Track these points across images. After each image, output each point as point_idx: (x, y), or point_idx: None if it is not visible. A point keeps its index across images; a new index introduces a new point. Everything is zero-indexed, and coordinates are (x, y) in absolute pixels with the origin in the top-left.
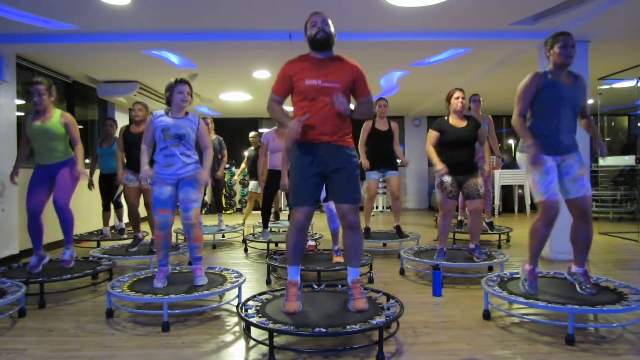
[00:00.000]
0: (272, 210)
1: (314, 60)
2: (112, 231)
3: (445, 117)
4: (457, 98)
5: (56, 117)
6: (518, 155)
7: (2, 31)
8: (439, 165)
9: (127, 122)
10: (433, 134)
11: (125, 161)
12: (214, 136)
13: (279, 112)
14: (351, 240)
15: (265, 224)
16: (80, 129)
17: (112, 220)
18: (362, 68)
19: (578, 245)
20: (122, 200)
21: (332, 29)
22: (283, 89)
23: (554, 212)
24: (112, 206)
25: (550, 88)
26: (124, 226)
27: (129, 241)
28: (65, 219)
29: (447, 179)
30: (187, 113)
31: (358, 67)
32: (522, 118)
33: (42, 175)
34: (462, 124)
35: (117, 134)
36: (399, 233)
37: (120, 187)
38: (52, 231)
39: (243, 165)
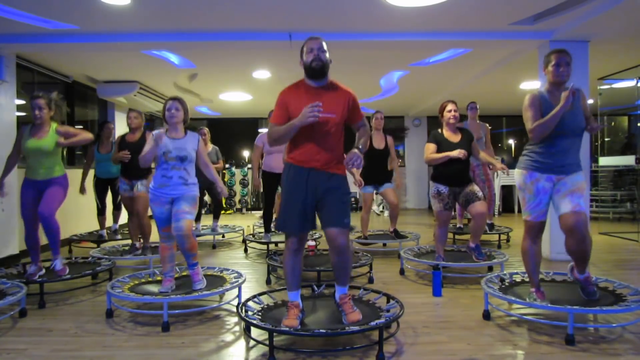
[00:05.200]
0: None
1: (310, 89)
2: (108, 232)
3: (440, 130)
4: (450, 111)
5: (52, 133)
6: (515, 171)
7: (2, 31)
8: (455, 152)
9: (126, 122)
10: (431, 146)
11: (120, 169)
12: (210, 146)
13: (282, 127)
14: (340, 263)
15: (267, 228)
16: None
17: (109, 221)
18: (355, 94)
19: (573, 258)
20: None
21: (328, 55)
22: (282, 118)
23: (536, 231)
24: (106, 211)
25: (547, 112)
26: (117, 227)
27: (123, 241)
28: (51, 229)
29: (444, 189)
30: (186, 132)
31: (352, 94)
32: (537, 122)
33: (31, 191)
34: (456, 138)
35: (114, 138)
36: (397, 235)
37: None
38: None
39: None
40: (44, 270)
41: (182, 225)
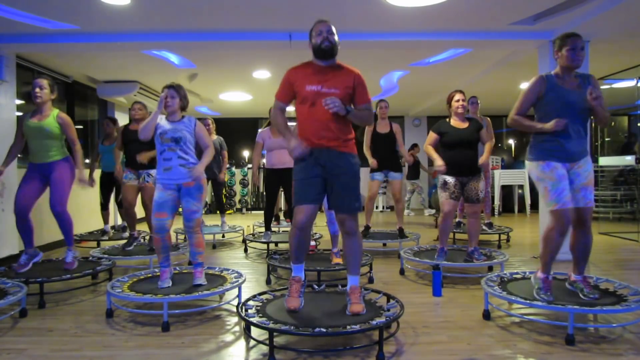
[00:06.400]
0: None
1: (316, 67)
2: (114, 231)
3: (447, 119)
4: (458, 101)
5: (53, 117)
6: (527, 164)
7: (2, 31)
8: (439, 161)
9: (127, 122)
10: (432, 135)
11: (125, 159)
12: (214, 137)
13: (282, 123)
14: (350, 247)
15: (267, 226)
16: (80, 129)
17: (112, 220)
18: (362, 75)
19: (576, 253)
20: None
21: (337, 38)
22: (286, 95)
23: (567, 220)
24: (110, 205)
25: (555, 92)
26: (126, 225)
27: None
28: (64, 223)
29: (450, 179)
30: (183, 116)
31: (358, 74)
32: (518, 116)
33: (34, 175)
34: (464, 125)
35: (116, 132)
36: (401, 234)
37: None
38: (51, 231)
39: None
40: (40, 256)
41: (192, 223)
